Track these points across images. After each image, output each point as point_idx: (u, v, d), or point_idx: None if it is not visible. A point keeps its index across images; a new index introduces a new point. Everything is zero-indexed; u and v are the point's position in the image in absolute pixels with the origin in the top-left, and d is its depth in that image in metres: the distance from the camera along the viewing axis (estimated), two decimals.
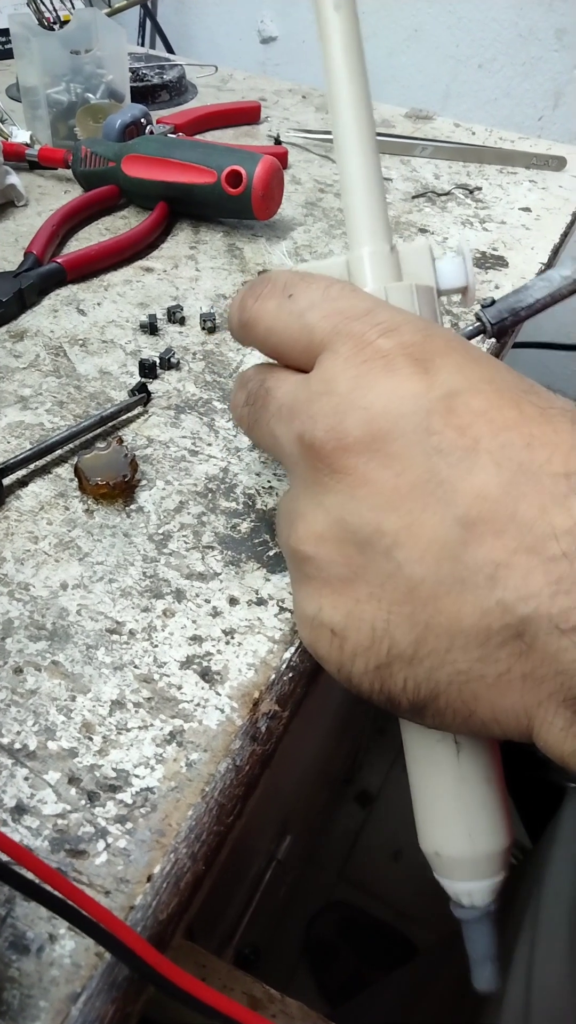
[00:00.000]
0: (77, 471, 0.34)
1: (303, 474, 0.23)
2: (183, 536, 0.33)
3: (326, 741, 0.78)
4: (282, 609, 0.30)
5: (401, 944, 0.95)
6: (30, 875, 0.20)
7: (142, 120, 0.61)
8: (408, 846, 1.05)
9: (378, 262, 0.27)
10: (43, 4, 0.70)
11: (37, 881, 0.20)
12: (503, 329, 0.36)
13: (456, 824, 0.24)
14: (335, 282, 0.24)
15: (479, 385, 0.21)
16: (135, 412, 0.39)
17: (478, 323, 0.36)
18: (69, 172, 0.60)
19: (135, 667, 0.28)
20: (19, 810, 0.24)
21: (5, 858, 0.20)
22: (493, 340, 0.37)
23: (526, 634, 0.19)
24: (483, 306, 0.36)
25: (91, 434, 0.37)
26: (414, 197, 0.64)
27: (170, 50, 1.26)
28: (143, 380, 0.41)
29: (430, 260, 0.28)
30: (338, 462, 0.21)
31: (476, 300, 0.37)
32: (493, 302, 0.36)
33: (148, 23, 1.26)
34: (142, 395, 0.39)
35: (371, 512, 0.21)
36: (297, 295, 0.24)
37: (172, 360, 0.42)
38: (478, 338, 0.37)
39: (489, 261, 0.55)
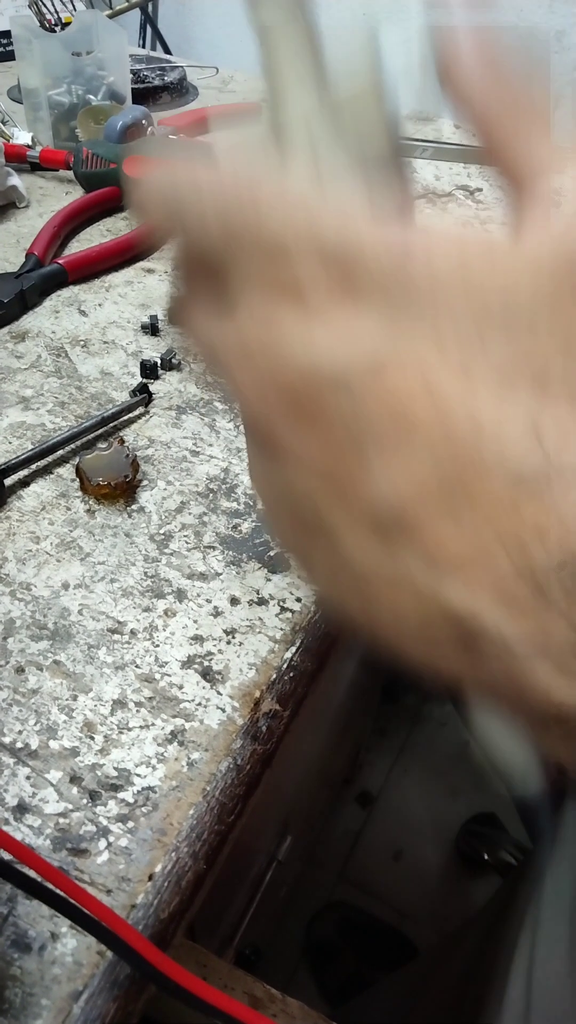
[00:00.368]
0: (79, 471, 0.34)
1: (249, 441, 0.21)
2: (184, 536, 0.33)
3: (327, 741, 0.78)
4: (283, 609, 0.30)
5: (401, 944, 0.95)
6: (32, 873, 0.20)
7: (143, 122, 0.61)
8: (408, 846, 1.05)
9: (297, 57, 0.20)
10: (44, 6, 0.70)
11: (39, 879, 0.20)
12: None
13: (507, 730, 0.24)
14: (240, 155, 0.19)
15: (416, 341, 0.17)
16: (136, 413, 0.39)
17: None
18: (70, 173, 0.60)
19: (136, 667, 0.28)
20: (21, 809, 0.24)
21: (7, 856, 0.20)
22: None
23: (470, 636, 0.17)
24: None
25: (92, 435, 0.37)
26: (414, 199, 0.64)
27: (167, 52, 1.26)
28: (144, 381, 0.41)
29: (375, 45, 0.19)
30: (271, 433, 0.18)
31: None
32: None
33: (148, 24, 1.27)
34: (143, 396, 0.39)
35: (307, 489, 0.19)
36: (196, 181, 0.18)
37: (173, 361, 0.42)
38: None
39: None
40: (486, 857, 0.97)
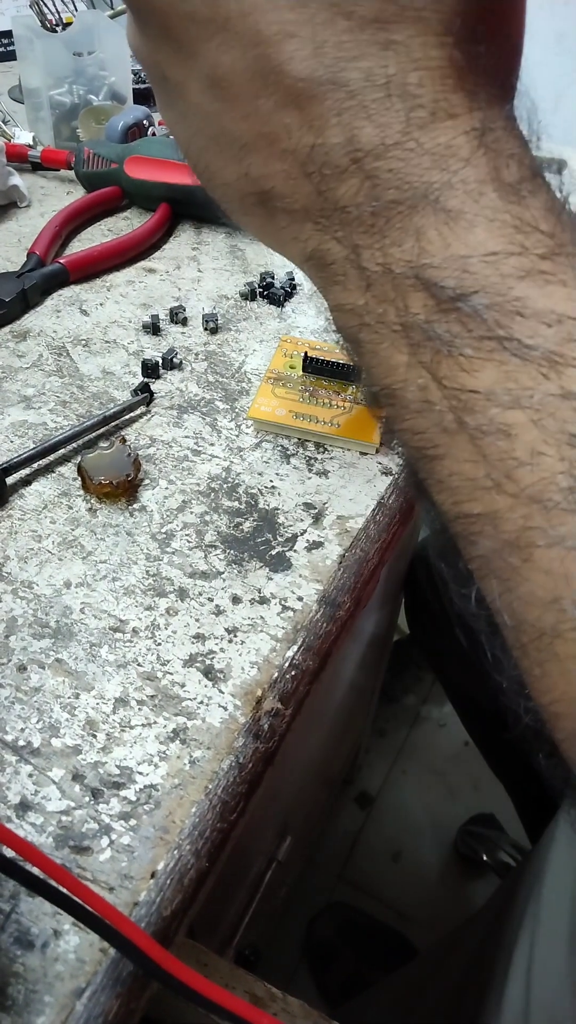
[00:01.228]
0: (80, 470, 0.34)
1: None
2: (186, 535, 0.33)
3: (326, 742, 0.78)
4: (285, 608, 0.30)
5: (401, 945, 0.95)
6: (35, 871, 0.20)
7: (144, 122, 0.61)
8: (408, 847, 1.05)
9: None
10: (46, 6, 0.70)
11: (42, 876, 0.20)
12: None
13: None
14: None
15: None
16: (138, 412, 0.39)
17: None
18: (72, 173, 0.60)
19: (138, 665, 0.28)
20: (23, 807, 0.24)
21: (10, 854, 0.20)
22: None
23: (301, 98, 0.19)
24: None
25: (94, 433, 0.37)
26: None
27: None
28: (146, 380, 0.41)
29: None
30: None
31: None
32: None
33: None
34: (145, 395, 0.39)
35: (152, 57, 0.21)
36: None
37: (174, 360, 0.42)
38: None
39: None
40: (485, 858, 0.97)
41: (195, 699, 0.27)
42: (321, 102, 0.18)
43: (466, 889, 1.00)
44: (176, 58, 0.20)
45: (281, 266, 0.53)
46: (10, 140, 0.62)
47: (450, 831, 1.04)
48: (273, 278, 0.50)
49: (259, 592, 0.31)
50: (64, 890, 0.20)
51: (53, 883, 0.20)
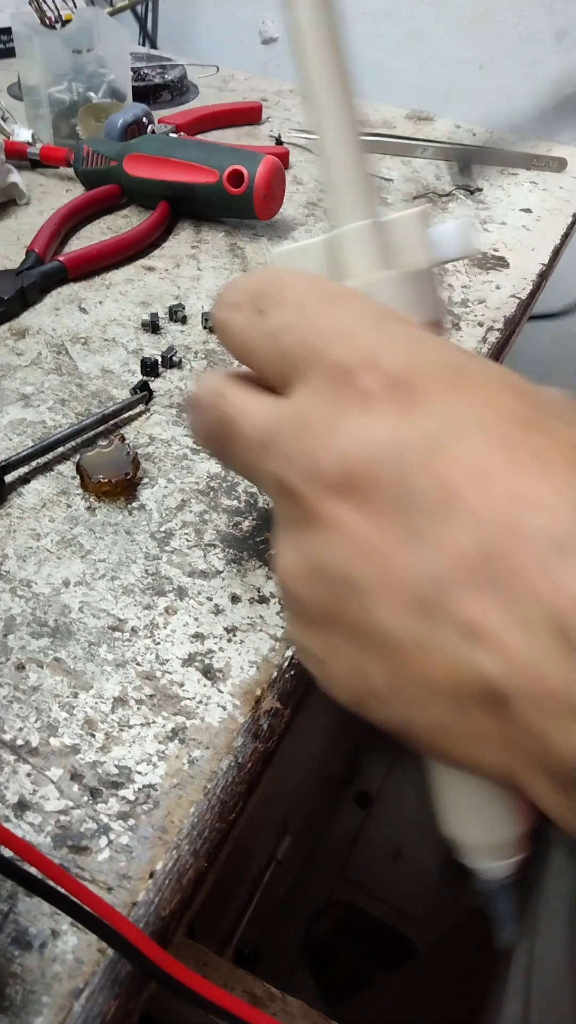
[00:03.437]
0: (79, 469, 0.34)
1: (281, 511, 0.22)
2: (185, 534, 0.33)
3: (326, 741, 0.78)
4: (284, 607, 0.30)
5: (400, 944, 0.95)
6: (33, 871, 0.20)
7: (144, 119, 0.61)
8: (407, 846, 1.05)
9: (360, 244, 0.24)
10: (45, 3, 0.70)
11: (40, 877, 0.20)
12: None
13: (474, 813, 0.24)
14: (310, 294, 0.22)
15: (466, 427, 0.19)
16: (137, 410, 0.39)
17: None
18: (71, 171, 0.60)
19: (137, 664, 0.28)
20: (21, 806, 0.24)
21: (8, 854, 0.20)
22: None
23: (502, 698, 0.17)
24: None
25: (93, 432, 0.37)
26: (415, 198, 0.64)
27: (153, 47, 1.26)
28: (145, 378, 0.41)
29: (423, 229, 0.25)
30: (313, 506, 0.20)
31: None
32: None
33: (149, 22, 1.26)
34: (144, 393, 0.39)
35: (344, 560, 0.20)
36: (268, 311, 0.22)
37: (174, 359, 0.42)
38: None
39: (490, 262, 0.55)
40: None
41: (194, 698, 0.27)
42: None
43: (465, 888, 1.00)
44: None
45: None
46: (9, 137, 0.62)
47: None
48: None
49: (258, 591, 0.30)
50: (62, 890, 0.20)
51: (51, 883, 0.20)
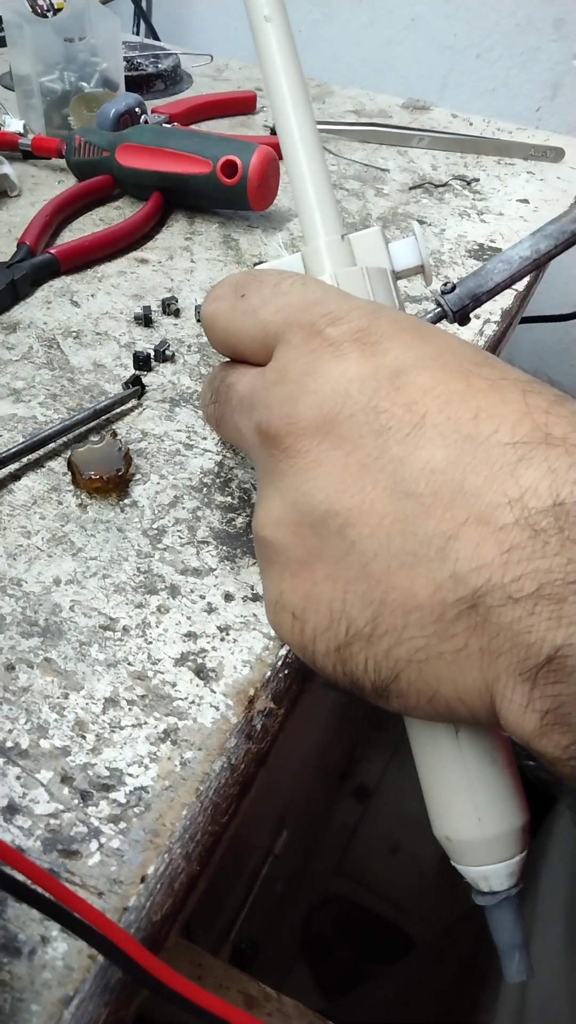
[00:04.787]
0: (70, 465, 0.33)
1: (263, 462, 0.24)
2: (178, 531, 0.32)
3: (323, 736, 0.78)
4: None
5: (398, 938, 0.96)
6: (21, 877, 0.20)
7: (136, 109, 0.60)
8: (405, 840, 1.05)
9: (331, 251, 0.28)
10: None
11: (29, 883, 0.20)
12: (464, 315, 0.36)
13: (463, 806, 0.23)
14: (285, 276, 0.25)
15: (426, 362, 0.21)
16: (129, 405, 0.38)
17: (438, 309, 0.36)
18: (63, 162, 0.59)
19: (129, 664, 0.27)
20: (11, 810, 0.23)
21: None
22: (457, 325, 0.36)
23: (480, 606, 0.18)
24: (443, 292, 0.36)
25: (84, 427, 0.36)
26: (411, 188, 0.63)
27: (155, 38, 1.24)
28: (137, 373, 0.40)
29: (383, 243, 0.28)
30: (292, 447, 0.22)
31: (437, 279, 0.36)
32: (454, 287, 0.36)
33: (144, 7, 1.25)
34: (136, 388, 0.39)
35: (323, 493, 0.21)
36: (249, 294, 0.25)
37: (167, 352, 0.41)
38: (442, 322, 0.36)
39: (487, 253, 0.55)
40: None
41: (186, 699, 0.26)
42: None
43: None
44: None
45: (275, 256, 0.53)
46: (0, 128, 0.61)
47: None
48: None
49: (252, 589, 0.30)
50: (51, 897, 0.19)
51: (40, 890, 0.20)
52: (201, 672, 0.27)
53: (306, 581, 0.22)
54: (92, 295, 0.46)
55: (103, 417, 0.37)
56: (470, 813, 0.23)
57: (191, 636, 0.28)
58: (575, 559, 0.17)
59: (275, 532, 0.22)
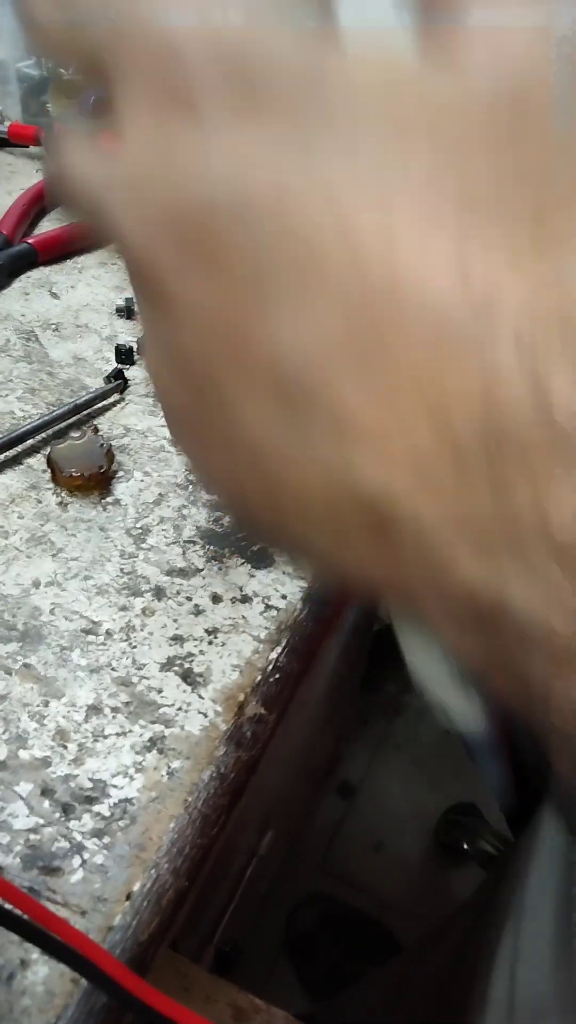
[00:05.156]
0: (50, 462, 0.32)
1: (137, 293, 0.18)
2: (163, 530, 0.31)
3: (309, 734, 0.77)
4: (268, 607, 0.29)
5: (383, 936, 0.95)
6: None
7: None
8: (389, 837, 1.05)
9: None
10: None
11: (5, 904, 0.19)
12: None
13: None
14: None
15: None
16: (111, 400, 0.37)
17: None
18: (41, 150, 0.57)
19: (112, 669, 0.26)
20: None
21: None
22: None
23: (384, 518, 0.14)
24: None
25: (65, 423, 0.35)
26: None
27: None
28: (120, 366, 0.39)
29: None
30: (160, 281, 0.16)
31: None
32: None
33: None
34: (119, 382, 0.37)
35: (200, 345, 0.16)
36: None
37: None
38: None
39: None
40: (466, 847, 0.97)
41: (173, 705, 0.25)
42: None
43: (448, 878, 1.00)
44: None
45: None
46: None
47: (432, 820, 1.04)
48: None
49: (240, 590, 0.29)
50: (30, 919, 0.18)
51: (18, 912, 0.19)
52: (188, 677, 0.26)
53: (198, 439, 0.18)
54: (72, 286, 0.45)
55: (84, 412, 0.36)
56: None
57: (177, 640, 0.27)
58: None
59: (158, 380, 0.18)
